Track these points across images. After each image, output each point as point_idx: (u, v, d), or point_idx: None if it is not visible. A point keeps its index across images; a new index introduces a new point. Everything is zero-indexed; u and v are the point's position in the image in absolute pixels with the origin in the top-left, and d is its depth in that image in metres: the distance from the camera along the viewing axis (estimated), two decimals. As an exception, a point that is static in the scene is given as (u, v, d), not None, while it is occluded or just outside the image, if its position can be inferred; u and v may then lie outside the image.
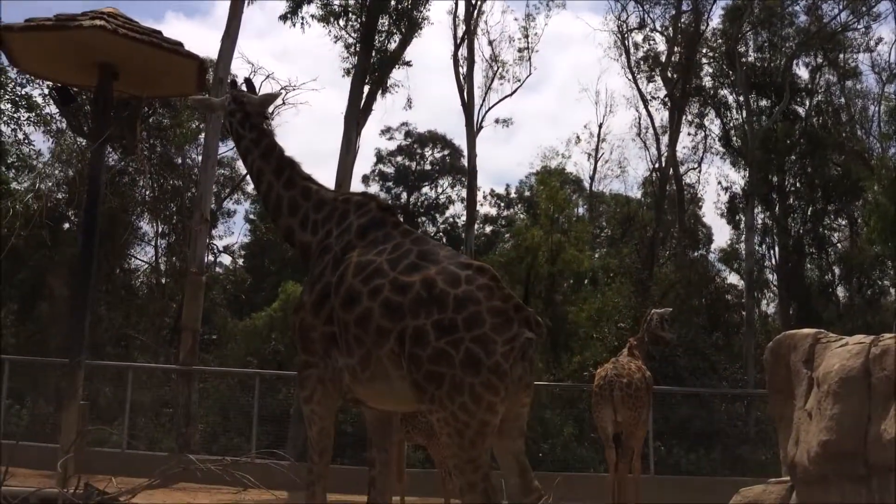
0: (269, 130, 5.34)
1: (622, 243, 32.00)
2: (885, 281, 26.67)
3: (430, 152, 45.42)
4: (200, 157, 19.64)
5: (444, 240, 44.12)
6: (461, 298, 3.96)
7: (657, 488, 14.42)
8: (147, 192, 26.41)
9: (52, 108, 19.20)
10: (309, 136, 62.82)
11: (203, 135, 19.48)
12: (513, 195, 43.77)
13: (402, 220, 4.86)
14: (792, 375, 10.49)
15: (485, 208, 43.22)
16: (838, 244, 28.44)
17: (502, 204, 44.23)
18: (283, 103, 30.56)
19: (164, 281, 27.04)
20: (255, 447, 12.69)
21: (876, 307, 27.32)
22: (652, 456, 15.10)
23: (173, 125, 25.37)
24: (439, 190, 45.68)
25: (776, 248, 27.53)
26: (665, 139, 29.08)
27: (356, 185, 56.90)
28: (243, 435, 15.25)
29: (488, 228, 42.81)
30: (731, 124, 28.10)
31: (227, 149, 31.17)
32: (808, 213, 26.59)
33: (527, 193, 39.08)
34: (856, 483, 8.64)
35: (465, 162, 29.18)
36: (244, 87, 5.63)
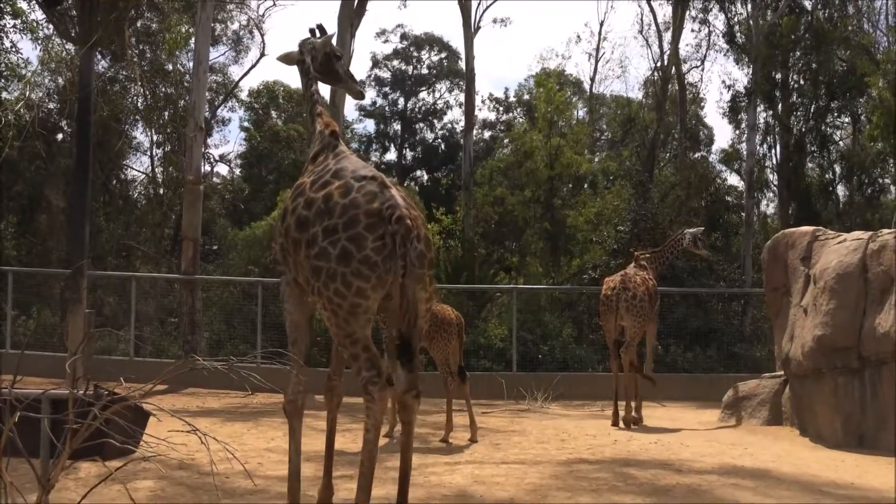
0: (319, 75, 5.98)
1: (622, 146, 31.65)
2: (886, 178, 26.55)
3: (426, 56, 44.29)
4: (192, 64, 19.12)
5: (443, 146, 43.67)
6: (345, 206, 4.64)
7: (656, 385, 14.79)
8: (139, 100, 25.93)
9: (39, 14, 18.57)
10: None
11: (193, 40, 18.88)
12: (512, 99, 42.99)
13: (340, 142, 5.44)
14: (789, 273, 10.61)
15: (483, 113, 42.51)
16: (840, 142, 28.13)
17: (501, 108, 43.50)
18: (274, 4, 29.87)
19: (161, 191, 26.90)
20: (261, 353, 12.94)
21: (876, 205, 27.28)
22: (648, 355, 15.38)
23: (162, 30, 24.64)
24: (437, 95, 44.82)
25: (777, 148, 27.25)
26: (668, 36, 28.27)
27: (352, 91, 56.01)
28: (248, 342, 15.52)
29: (487, 133, 42.26)
30: (736, 19, 27.25)
31: (218, 54, 30.45)
32: (811, 111, 26.14)
33: (526, 97, 38.39)
34: (848, 376, 8.87)
35: (463, 65, 28.51)
36: (318, 33, 6.16)
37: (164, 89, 25.95)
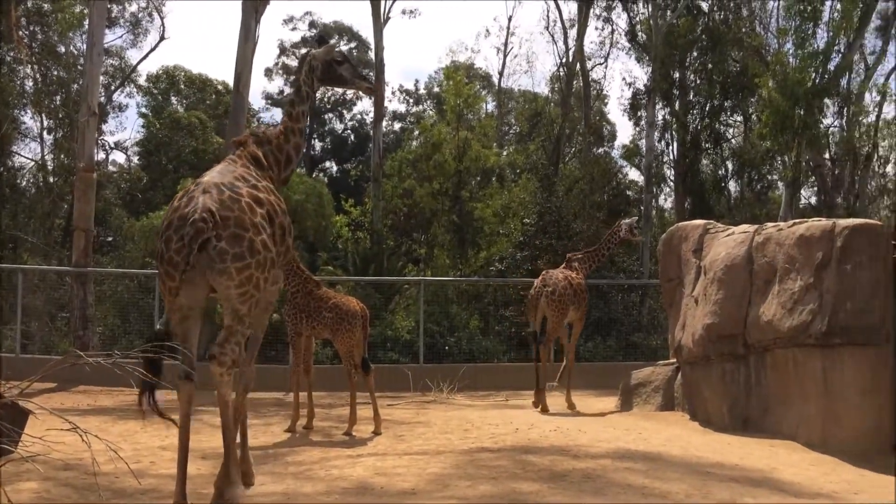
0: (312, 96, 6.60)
1: (530, 140, 32.17)
2: (774, 175, 28.01)
3: (336, 45, 43.75)
4: (85, 46, 18.19)
5: (353, 137, 43.27)
6: (169, 212, 5.25)
7: (557, 374, 15.16)
8: (28, 83, 24.52)
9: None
10: (207, 25, 59.24)
11: (87, 21, 17.98)
12: (422, 91, 43.05)
13: (237, 150, 6.02)
14: (682, 264, 11.05)
15: (394, 104, 42.37)
16: (732, 140, 29.49)
17: (411, 100, 43.51)
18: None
19: (52, 180, 25.55)
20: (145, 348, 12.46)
21: (764, 200, 28.80)
22: (552, 345, 15.74)
23: (55, 10, 23.38)
24: (346, 85, 44.33)
25: (675, 144, 28.32)
26: (573, 33, 28.94)
27: (258, 79, 54.22)
28: (144, 337, 14.93)
29: (397, 125, 42.18)
30: (638, 19, 28.17)
31: (115, 37, 29.18)
32: (707, 110, 27.29)
33: (436, 89, 38.48)
34: (735, 362, 9.32)
35: (372, 56, 28.29)
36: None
37: (55, 72, 24.67)
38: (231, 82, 18.64)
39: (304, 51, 44.09)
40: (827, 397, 7.86)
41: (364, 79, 6.97)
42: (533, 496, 5.52)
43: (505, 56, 35.88)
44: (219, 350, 5.21)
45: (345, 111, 43.78)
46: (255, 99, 49.27)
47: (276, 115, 43.52)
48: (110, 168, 32.28)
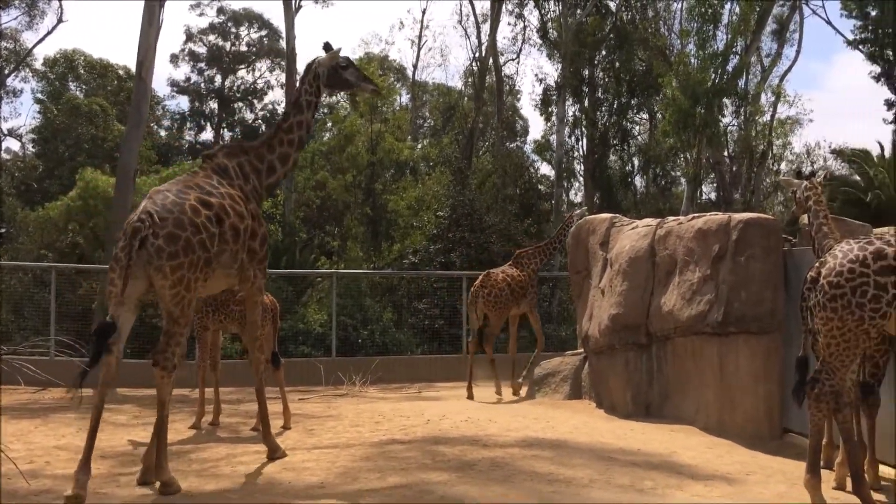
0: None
1: (444, 133, 32.31)
2: (677, 171, 29.10)
3: (245, 32, 42.63)
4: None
5: (264, 127, 42.36)
6: (129, 219, 5.70)
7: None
8: None
9: None
10: (108, 8, 56.70)
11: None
12: (335, 82, 42.48)
13: (204, 164, 6.50)
14: (590, 257, 11.35)
15: (306, 95, 41.68)
16: (639, 137, 30.47)
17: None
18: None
19: (-63, 167, 23.97)
20: (55, 345, 11.89)
21: (668, 195, 29.90)
22: (465, 337, 15.90)
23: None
24: (257, 74, 43.38)
25: (584, 140, 29.03)
26: (486, 28, 29.19)
27: (163, 65, 52.31)
28: (41, 333, 14.22)
29: (310, 116, 41.50)
30: (549, 16, 28.66)
31: (9, 18, 27.59)
32: (614, 107, 28.09)
33: (349, 80, 38.03)
34: (638, 351, 9.64)
35: (284, 44, 27.76)
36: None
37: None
38: (133, 68, 17.89)
39: (212, 37, 42.50)
40: (723, 384, 8.24)
41: (369, 81, 7.44)
42: (441, 486, 5.57)
43: (419, 49, 35.87)
44: (161, 356, 5.58)
45: (255, 100, 42.80)
46: (160, 86, 47.62)
47: (183, 102, 42.23)
48: (3, 156, 30.54)
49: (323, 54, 7.08)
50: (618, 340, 9.74)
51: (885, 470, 6.46)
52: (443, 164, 26.98)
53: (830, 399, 5.42)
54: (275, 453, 6.70)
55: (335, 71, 6.99)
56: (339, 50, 7.12)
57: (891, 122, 32.89)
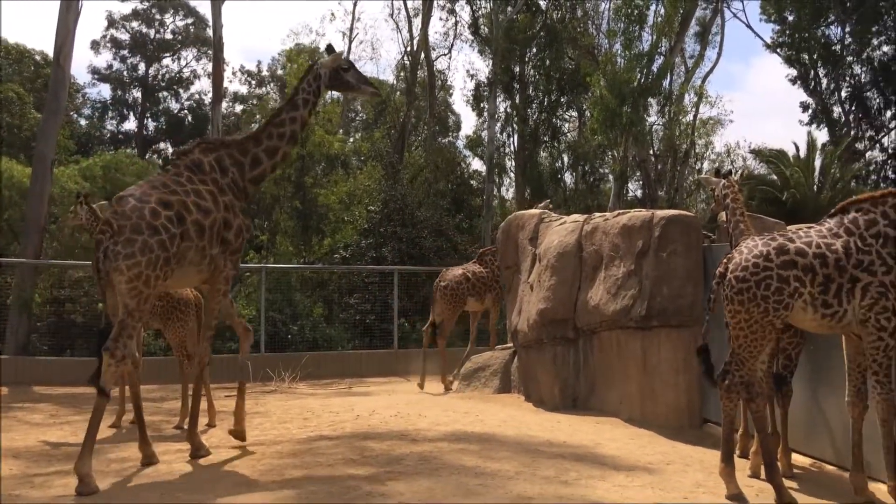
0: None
1: (376, 127, 32.13)
2: (605, 169, 29.71)
3: (171, 19, 41.44)
4: None
5: (190, 117, 41.28)
6: None
7: (401, 360, 15.31)
8: None
9: None
10: (23, -9, 54.21)
11: None
12: (265, 73, 41.78)
13: (176, 160, 6.82)
14: (519, 252, 11.48)
15: (235, 85, 40.85)
16: (568, 134, 30.97)
17: (254, 82, 42.11)
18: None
19: None
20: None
21: (596, 192, 30.48)
22: (396, 332, 15.89)
23: None
24: (183, 63, 42.23)
25: (515, 136, 29.33)
26: (417, 22, 29.13)
27: (83, 52, 50.51)
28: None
29: (239, 107, 40.69)
30: (481, 12, 28.80)
31: None
32: (545, 104, 28.46)
33: (280, 72, 37.48)
34: (565, 345, 9.81)
35: (210, 33, 27.05)
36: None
37: None
38: (51, 54, 17.15)
39: (135, 24, 41.16)
40: (645, 376, 8.47)
41: (369, 84, 7.74)
42: (368, 481, 5.55)
43: (350, 42, 35.46)
44: (112, 344, 5.76)
45: (181, 90, 41.67)
46: (80, 73, 45.98)
47: (104, 90, 40.85)
48: None
49: (325, 56, 7.49)
50: (546, 335, 9.89)
51: (797, 458, 6.76)
52: (374, 159, 26.83)
53: (741, 389, 5.63)
54: (198, 451, 6.62)
55: (337, 73, 7.35)
56: (342, 53, 7.52)
57: (806, 124, 34.42)
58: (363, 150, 28.93)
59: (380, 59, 76.19)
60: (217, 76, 23.55)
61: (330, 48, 7.59)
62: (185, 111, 41.51)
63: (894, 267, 5.30)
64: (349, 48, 35.72)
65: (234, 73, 39.19)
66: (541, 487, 5.50)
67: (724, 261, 5.75)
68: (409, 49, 30.57)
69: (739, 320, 5.51)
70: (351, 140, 32.04)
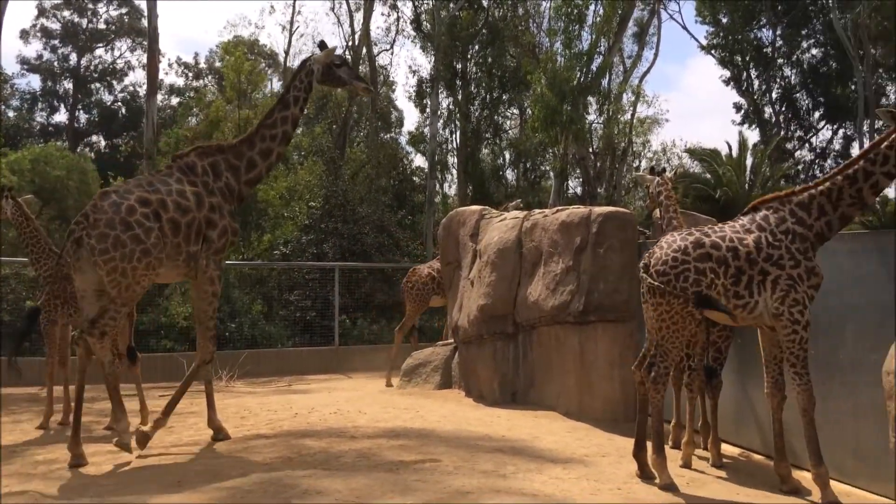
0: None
1: (317, 123, 31.79)
2: (546, 166, 30.05)
3: (104, 9, 40.19)
4: None
5: (124, 110, 40.13)
6: None
7: (342, 357, 15.22)
8: None
9: None
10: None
11: None
12: (203, 65, 40.94)
13: (166, 164, 7.21)
14: (460, 248, 11.52)
15: (171, 77, 39.96)
16: (510, 131, 31.21)
17: (191, 74, 41.21)
18: None
19: None
20: None
21: (537, 188, 30.80)
22: (337, 329, 15.79)
23: None
24: (117, 53, 41.02)
25: (458, 133, 29.41)
26: (359, 17, 28.92)
27: (11, 42, 48.62)
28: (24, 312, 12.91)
29: (175, 100, 39.75)
30: (423, 8, 28.76)
31: None
32: (487, 101, 28.60)
33: (218, 64, 36.75)
34: (505, 340, 9.89)
35: (146, 23, 26.37)
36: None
37: None
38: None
39: (67, 13, 39.86)
40: (583, 370, 8.60)
41: (361, 80, 7.86)
42: (306, 479, 5.49)
43: (291, 35, 35.02)
44: (89, 326, 6.34)
45: (115, 81, 40.48)
46: (9, 63, 44.18)
47: (34, 81, 39.47)
48: None
49: (318, 51, 7.65)
50: (486, 330, 9.95)
51: (727, 448, 6.97)
52: (315, 154, 26.55)
53: (667, 380, 5.78)
54: (220, 433, 7.19)
55: (329, 68, 7.51)
56: (335, 48, 7.61)
57: (739, 124, 35.51)
58: (304, 145, 28.57)
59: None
60: (152, 67, 23.00)
61: (322, 44, 7.70)
62: (119, 103, 40.36)
63: (802, 261, 5.55)
64: (289, 42, 35.29)
65: (170, 65, 38.47)
66: (479, 481, 5.53)
67: (647, 255, 5.89)
68: (350, 44, 30.34)
69: (661, 312, 5.66)
70: (292, 135, 31.56)
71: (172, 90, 39.80)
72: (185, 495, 5.19)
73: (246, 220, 23.00)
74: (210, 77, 39.27)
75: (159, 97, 32.45)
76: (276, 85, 36.93)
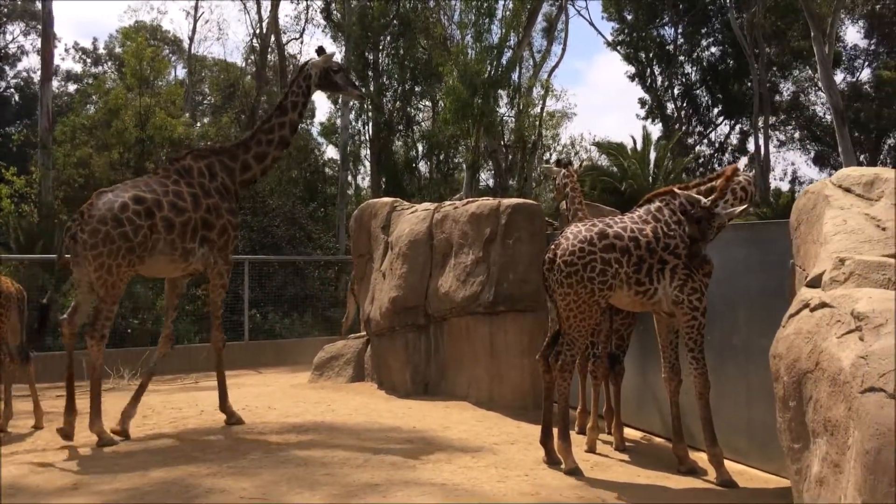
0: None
1: (225, 111, 30.92)
2: (458, 158, 30.18)
3: (333, 54, 37.90)
4: None
5: (17, 97, 37.99)
6: None
7: (252, 352, 14.91)
8: None
9: None
10: None
11: None
12: (102, 51, 39.20)
13: (163, 167, 7.64)
14: (372, 240, 11.46)
15: (67, 63, 38.09)
16: (423, 123, 31.16)
17: (89, 60, 39.40)
18: None
19: None
20: None
21: (450, 181, 30.91)
22: (247, 324, 15.45)
23: None
24: (9, 38, 38.71)
25: (370, 124, 29.17)
26: (266, 4, 28.28)
27: None
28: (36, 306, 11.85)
29: (73, 87, 37.90)
30: (333, -3, 28.32)
31: None
32: (399, 93, 28.46)
33: (118, 50, 35.21)
34: (417, 332, 9.91)
35: (39, 6, 24.98)
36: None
37: None
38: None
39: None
40: (493, 360, 8.71)
41: (356, 87, 8.38)
42: (209, 478, 5.35)
43: (195, 21, 33.94)
44: (91, 328, 6.67)
45: (6, 67, 38.22)
46: None
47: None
48: None
49: (316, 57, 7.95)
50: (398, 322, 9.94)
51: (629, 432, 7.20)
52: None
53: (573, 368, 5.93)
54: (232, 417, 7.59)
55: (327, 73, 7.82)
56: (333, 54, 7.95)
57: (643, 119, 36.68)
58: (211, 134, 27.74)
59: (227, 41, 73.58)
60: (46, 52, 21.80)
61: (321, 49, 7.95)
62: (12, 90, 38.16)
63: None
64: (194, 27, 34.29)
65: (66, 50, 36.67)
66: (388, 474, 5.52)
67: (553, 247, 6.01)
68: (258, 31, 29.65)
69: (569, 302, 5.79)
70: (198, 125, 30.62)
71: (69, 76, 37.96)
72: (80, 498, 4.96)
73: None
74: (110, 63, 37.62)
75: (55, 84, 30.92)
76: (180, 72, 35.76)
